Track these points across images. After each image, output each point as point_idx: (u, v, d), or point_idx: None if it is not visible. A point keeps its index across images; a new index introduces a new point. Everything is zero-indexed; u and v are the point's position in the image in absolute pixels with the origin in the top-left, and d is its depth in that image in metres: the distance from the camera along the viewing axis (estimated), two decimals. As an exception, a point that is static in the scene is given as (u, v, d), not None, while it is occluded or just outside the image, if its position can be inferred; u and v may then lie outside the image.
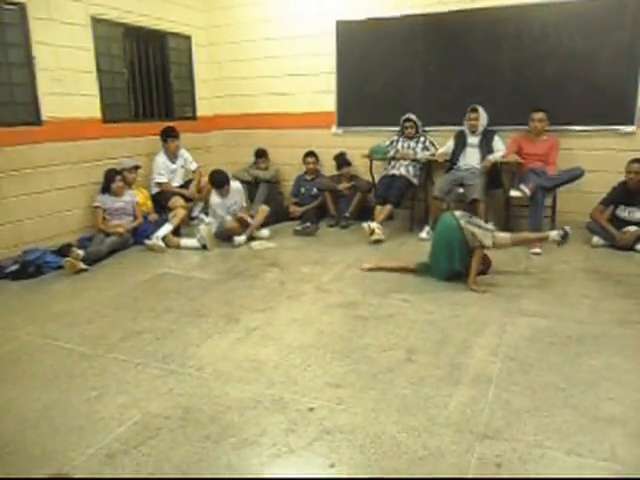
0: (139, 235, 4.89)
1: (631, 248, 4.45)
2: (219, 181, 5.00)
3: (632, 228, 4.51)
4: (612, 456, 1.88)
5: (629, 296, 3.46)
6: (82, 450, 1.98)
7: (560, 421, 2.09)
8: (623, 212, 4.61)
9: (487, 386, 2.36)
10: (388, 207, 5.19)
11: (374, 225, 4.92)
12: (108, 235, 4.68)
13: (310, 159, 6.00)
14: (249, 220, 5.03)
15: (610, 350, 2.70)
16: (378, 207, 5.28)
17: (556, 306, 3.31)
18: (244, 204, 5.27)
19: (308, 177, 6.04)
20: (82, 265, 4.17)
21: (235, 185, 5.18)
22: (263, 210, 5.21)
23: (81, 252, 4.23)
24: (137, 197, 5.09)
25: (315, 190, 5.92)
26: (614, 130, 5.02)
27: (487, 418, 2.12)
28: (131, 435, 2.06)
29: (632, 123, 4.94)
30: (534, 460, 1.87)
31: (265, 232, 5.17)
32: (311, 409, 2.21)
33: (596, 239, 4.65)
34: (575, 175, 4.65)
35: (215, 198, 5.05)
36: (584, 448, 1.92)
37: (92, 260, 4.33)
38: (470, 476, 1.80)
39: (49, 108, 4.63)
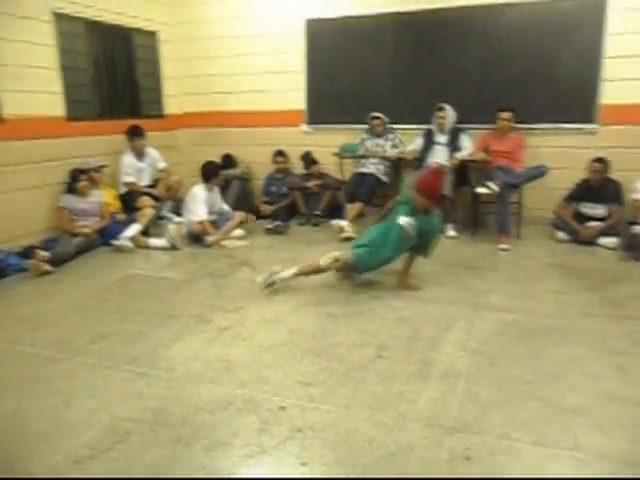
0: (107, 236, 4.79)
1: (594, 243, 4.59)
2: (211, 171, 4.97)
3: (594, 223, 4.65)
4: (575, 445, 1.94)
5: (592, 289, 3.57)
6: (49, 456, 1.94)
7: (526, 413, 2.14)
8: (585, 208, 4.75)
9: (456, 380, 2.40)
10: (358, 205, 5.23)
11: (343, 223, 4.95)
12: (74, 236, 4.57)
13: (279, 158, 5.98)
14: (212, 231, 4.90)
15: (574, 342, 2.78)
16: (349, 205, 5.31)
17: (523, 300, 3.39)
18: (225, 206, 5.21)
19: (278, 176, 6.02)
20: (47, 267, 4.07)
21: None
22: (240, 215, 5.17)
23: (46, 254, 4.13)
24: (104, 197, 4.99)
25: (285, 189, 5.92)
26: (577, 128, 5.16)
27: (456, 412, 2.16)
28: (100, 440, 2.03)
29: (594, 122, 5.09)
30: (502, 452, 1.91)
31: (239, 231, 5.13)
32: (283, 408, 2.21)
33: (561, 234, 4.78)
34: (540, 172, 4.76)
35: (201, 191, 4.95)
36: (549, 438, 1.98)
37: (58, 262, 4.23)
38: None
39: (10, 106, 4.49)
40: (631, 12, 4.82)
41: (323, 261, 3.56)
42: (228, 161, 6.15)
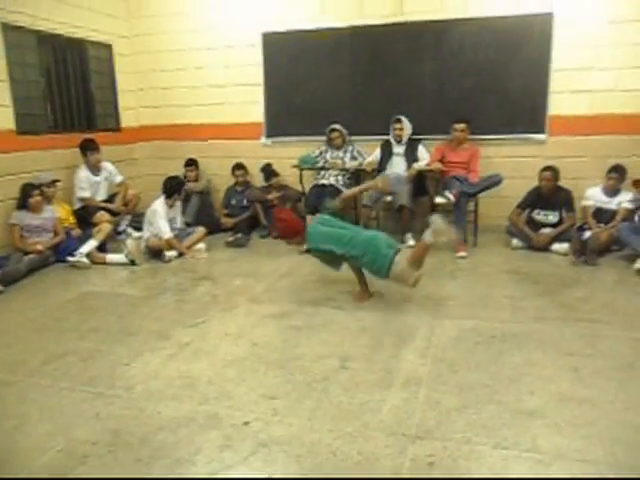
0: (62, 252, 4.65)
1: (547, 249, 4.75)
2: (172, 187, 4.91)
3: (547, 230, 4.81)
4: (534, 447, 1.99)
5: (545, 294, 3.69)
6: (1, 485, 1.86)
7: (486, 417, 2.19)
8: (538, 215, 4.91)
9: (418, 388, 2.43)
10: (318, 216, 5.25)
11: None
12: (26, 254, 4.42)
13: (239, 172, 5.96)
14: (178, 245, 4.85)
15: (530, 347, 2.86)
16: (309, 216, 5.32)
17: (480, 307, 3.47)
18: (179, 223, 5.14)
19: (238, 188, 5.99)
20: (-2, 286, 3.92)
21: None
22: (201, 232, 5.10)
23: (-4, 272, 3.98)
24: (58, 212, 4.84)
25: (246, 201, 5.89)
26: (527, 139, 5.36)
27: (419, 419, 2.18)
28: (55, 465, 1.95)
29: (543, 132, 5.29)
30: (464, 457, 1.94)
31: (201, 245, 5.06)
32: (246, 423, 2.19)
33: (515, 241, 4.92)
34: (495, 182, 4.90)
35: (161, 207, 4.86)
36: (508, 441, 2.02)
37: (9, 281, 4.08)
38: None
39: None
40: (576, 26, 5.05)
41: None
42: (190, 163, 6.09)
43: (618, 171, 4.75)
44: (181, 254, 4.83)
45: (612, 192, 4.77)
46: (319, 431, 2.12)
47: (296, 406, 2.31)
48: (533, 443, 2.01)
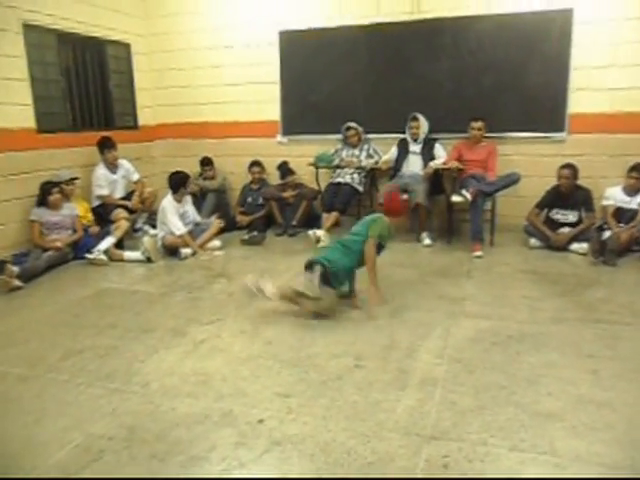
0: (80, 249, 4.71)
1: (565, 249, 4.68)
2: (177, 181, 4.93)
3: (566, 229, 4.75)
4: (551, 450, 1.96)
5: (564, 295, 3.63)
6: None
7: (503, 419, 2.16)
8: (557, 215, 4.84)
9: (433, 388, 2.41)
10: (334, 215, 5.25)
11: (320, 233, 4.97)
12: (45, 250, 4.48)
13: (255, 169, 5.97)
14: (192, 243, 4.87)
15: (548, 348, 2.82)
16: (325, 215, 5.33)
17: (498, 307, 3.43)
18: (198, 218, 5.16)
19: (254, 186, 6.01)
20: (17, 282, 3.98)
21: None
22: (215, 225, 5.13)
23: (16, 269, 4.03)
24: (76, 210, 4.90)
25: (261, 199, 5.90)
26: (546, 137, 5.28)
27: (434, 420, 2.16)
28: (72, 459, 1.97)
29: (562, 130, 5.21)
30: (479, 458, 1.92)
31: (216, 242, 5.09)
32: (261, 421, 2.19)
33: (533, 241, 4.86)
34: (512, 180, 4.85)
35: (169, 203, 4.90)
36: (526, 443, 2.00)
37: (28, 277, 4.14)
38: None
39: (-23, 118, 4.41)
40: (596, 24, 4.96)
41: (308, 290, 3.21)
42: (207, 163, 6.11)
43: (639, 170, 4.66)
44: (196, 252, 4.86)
45: (633, 191, 4.69)
46: (333, 430, 2.11)
47: (310, 404, 2.31)
48: (550, 446, 1.98)
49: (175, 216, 4.84)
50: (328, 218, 5.26)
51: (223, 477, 1.86)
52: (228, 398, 2.38)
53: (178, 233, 4.79)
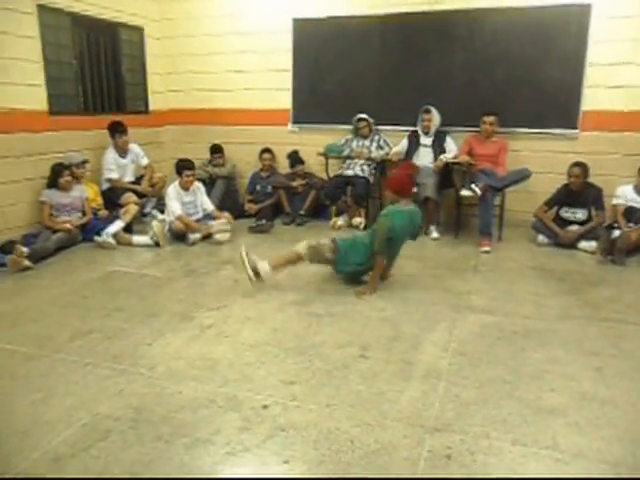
0: (88, 232, 4.74)
1: (574, 246, 4.66)
2: (180, 164, 4.96)
3: (574, 227, 4.72)
4: (553, 445, 1.97)
5: (570, 292, 3.63)
6: (26, 454, 1.91)
7: (506, 413, 2.17)
8: (566, 213, 4.82)
9: (437, 381, 2.42)
10: (360, 210, 5.50)
11: (340, 222, 5.37)
12: (55, 232, 4.51)
13: (266, 155, 5.98)
14: (196, 226, 4.89)
15: (553, 344, 2.82)
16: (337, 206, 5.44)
17: (503, 302, 3.43)
18: (210, 207, 5.16)
19: (263, 174, 6.01)
20: (27, 262, 4.01)
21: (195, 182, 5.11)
22: (228, 217, 5.13)
23: (25, 249, 4.07)
24: (86, 192, 4.93)
25: (270, 188, 5.91)
26: (559, 134, 5.24)
27: (437, 411, 2.18)
28: (79, 438, 2.01)
29: (575, 127, 5.17)
30: (481, 451, 1.93)
31: (224, 222, 5.07)
32: (265, 406, 2.21)
33: (541, 237, 4.84)
34: (523, 176, 4.82)
35: (172, 189, 4.92)
36: (528, 438, 2.01)
37: (38, 257, 4.17)
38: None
39: (-10, 98, 4.42)
40: (614, 20, 4.90)
41: (301, 248, 3.59)
42: (217, 150, 6.09)
43: (651, 169, 4.62)
44: (205, 237, 4.87)
45: (644, 191, 4.66)
46: (337, 418, 2.13)
47: (315, 392, 2.32)
48: (553, 441, 1.99)
49: (174, 200, 4.87)
50: (355, 212, 5.51)
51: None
52: (233, 383, 2.40)
53: (176, 214, 4.81)
